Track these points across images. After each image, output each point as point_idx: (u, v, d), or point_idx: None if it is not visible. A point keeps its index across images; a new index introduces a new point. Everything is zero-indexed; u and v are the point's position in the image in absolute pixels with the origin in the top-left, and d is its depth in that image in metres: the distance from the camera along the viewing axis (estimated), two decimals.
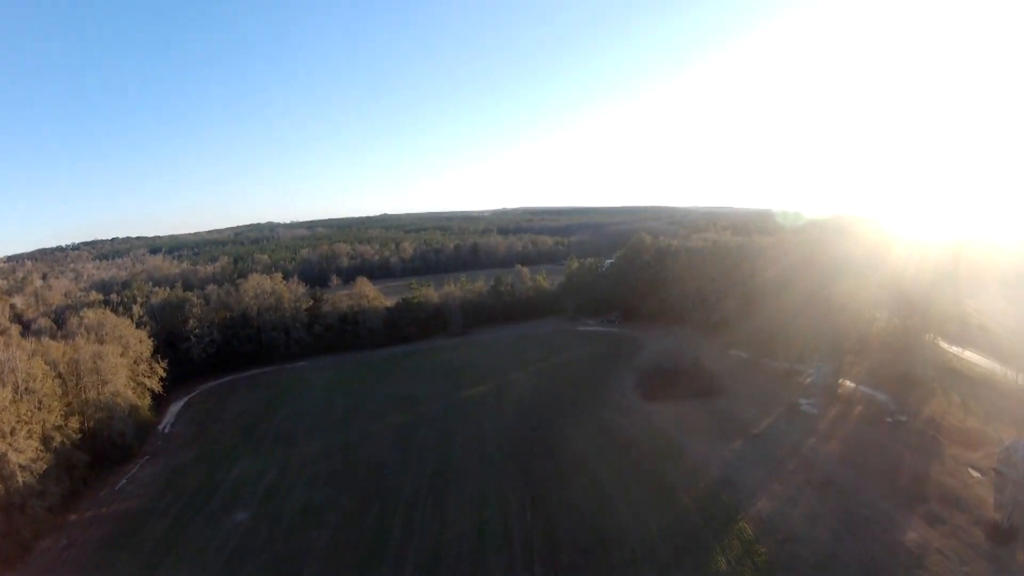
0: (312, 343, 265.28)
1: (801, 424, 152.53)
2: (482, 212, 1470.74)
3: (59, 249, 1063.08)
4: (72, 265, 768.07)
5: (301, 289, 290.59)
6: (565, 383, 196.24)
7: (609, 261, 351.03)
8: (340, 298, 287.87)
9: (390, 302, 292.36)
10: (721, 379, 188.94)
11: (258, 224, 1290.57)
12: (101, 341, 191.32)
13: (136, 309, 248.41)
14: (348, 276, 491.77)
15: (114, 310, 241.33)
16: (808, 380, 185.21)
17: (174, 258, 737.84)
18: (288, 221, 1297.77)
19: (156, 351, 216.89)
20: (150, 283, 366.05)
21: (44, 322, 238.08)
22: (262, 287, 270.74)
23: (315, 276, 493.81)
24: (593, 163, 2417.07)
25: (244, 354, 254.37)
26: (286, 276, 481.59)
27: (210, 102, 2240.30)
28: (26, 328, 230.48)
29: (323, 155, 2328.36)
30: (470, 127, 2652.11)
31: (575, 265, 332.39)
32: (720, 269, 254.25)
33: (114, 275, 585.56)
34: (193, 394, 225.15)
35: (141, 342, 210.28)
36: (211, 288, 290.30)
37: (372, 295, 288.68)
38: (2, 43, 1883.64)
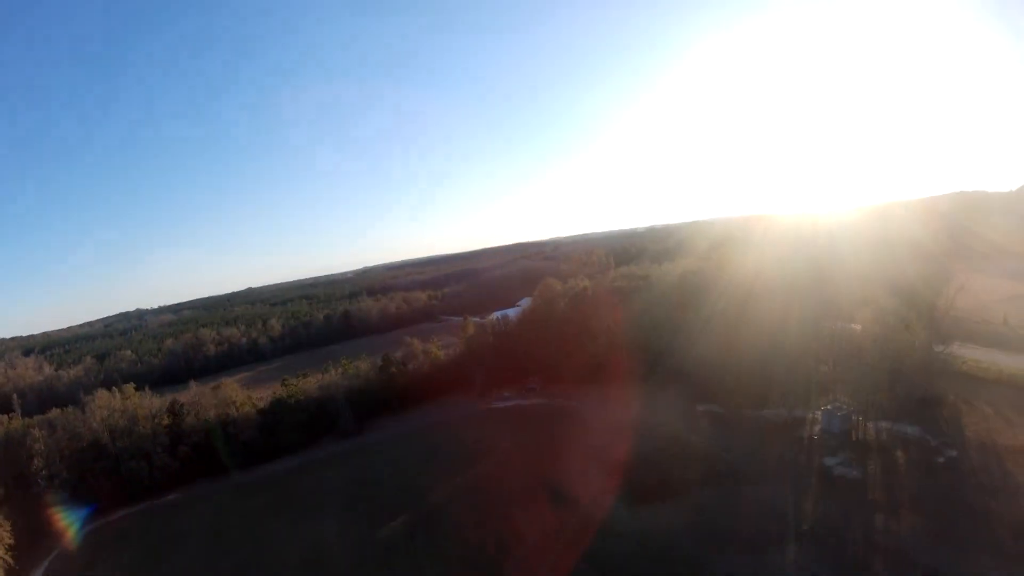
0: (179, 469, 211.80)
1: (848, 496, 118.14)
2: (345, 273, 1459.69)
3: None
4: None
5: (157, 401, 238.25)
6: (513, 500, 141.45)
7: (505, 313, 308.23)
8: (205, 404, 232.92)
9: (263, 402, 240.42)
10: (716, 454, 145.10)
11: (127, 312, 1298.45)
12: None
13: None
14: (217, 365, 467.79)
15: None
16: (818, 429, 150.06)
17: (47, 357, 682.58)
18: (156, 306, 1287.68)
19: (2, 503, 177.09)
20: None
21: None
22: (111, 406, 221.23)
23: (182, 368, 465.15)
24: (439, 209, 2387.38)
25: (103, 493, 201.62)
26: (147, 375, 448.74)
27: (72, 183, 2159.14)
28: None
29: (186, 233, 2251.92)
30: (320, 188, 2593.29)
31: (471, 328, 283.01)
32: (659, 309, 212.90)
33: None
34: (52, 557, 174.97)
35: None
36: (54, 413, 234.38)
37: (240, 399, 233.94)
38: None
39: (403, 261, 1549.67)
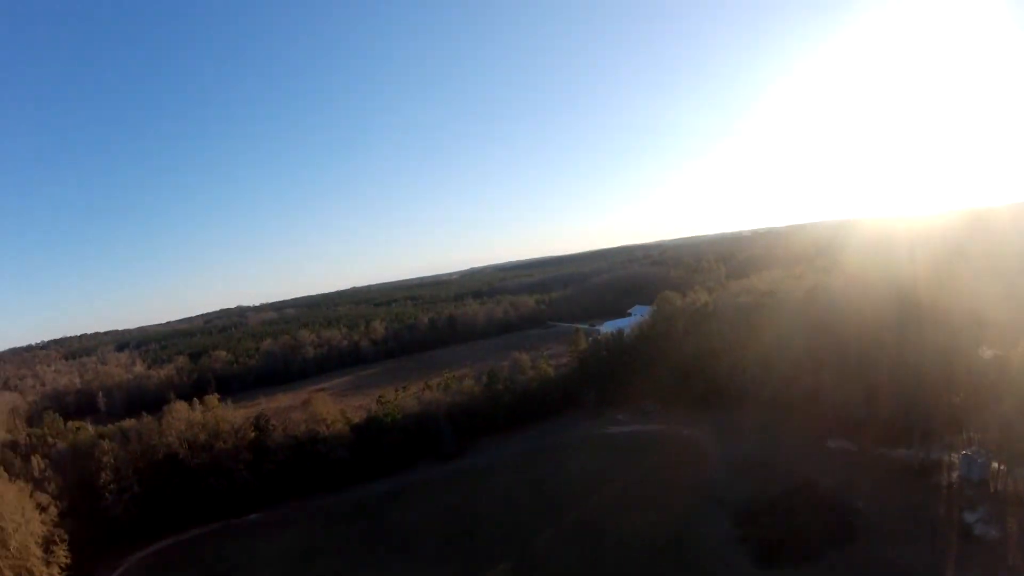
0: (262, 488, 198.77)
1: (992, 563, 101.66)
2: (451, 274, 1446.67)
3: (28, 349, 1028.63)
4: (39, 367, 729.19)
5: (241, 414, 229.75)
6: (627, 547, 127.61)
7: (618, 325, 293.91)
8: (294, 419, 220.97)
9: (358, 416, 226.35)
10: (849, 503, 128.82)
11: (228, 309, 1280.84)
12: None
13: (36, 462, 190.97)
14: (316, 368, 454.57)
15: (9, 463, 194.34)
16: (957, 476, 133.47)
17: (140, 354, 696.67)
18: (258, 304, 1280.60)
19: (65, 515, 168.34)
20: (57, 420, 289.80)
21: None
22: (191, 419, 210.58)
23: (279, 371, 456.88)
24: (553, 209, 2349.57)
25: (177, 510, 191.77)
26: (242, 376, 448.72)
27: (178, 184, 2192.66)
28: None
29: (292, 230, 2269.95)
30: (430, 187, 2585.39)
31: (583, 343, 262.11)
32: (784, 329, 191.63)
33: (68, 383, 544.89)
34: (116, 574, 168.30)
35: (27, 522, 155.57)
36: (130, 423, 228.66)
37: (332, 415, 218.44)
38: None
39: (510, 263, 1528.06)
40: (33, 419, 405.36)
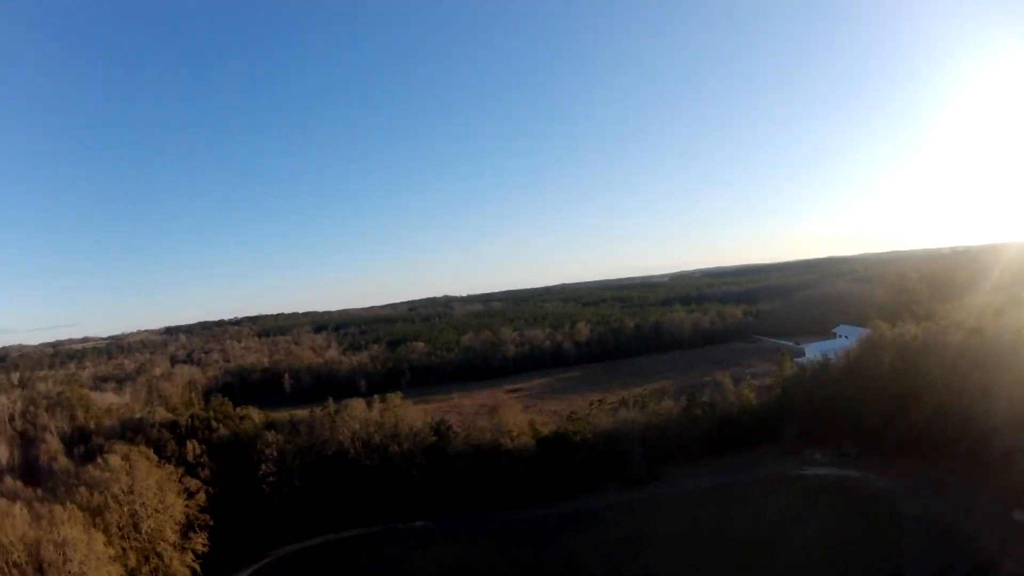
0: (433, 496, 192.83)
1: None
2: (661, 276, 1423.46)
3: (219, 324, 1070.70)
4: (229, 342, 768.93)
5: (422, 416, 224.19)
6: None
7: (823, 349, 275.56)
8: (479, 428, 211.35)
9: (547, 428, 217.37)
10: None
11: (434, 298, 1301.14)
12: (95, 511, 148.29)
13: (192, 447, 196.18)
14: (516, 367, 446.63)
15: (163, 445, 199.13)
16: None
17: (338, 337, 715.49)
18: (464, 294, 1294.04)
19: (215, 502, 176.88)
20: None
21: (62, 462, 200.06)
22: (367, 417, 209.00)
23: (478, 367, 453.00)
24: (763, 213, 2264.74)
25: (339, 509, 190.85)
26: (439, 369, 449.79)
27: (384, 167, 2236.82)
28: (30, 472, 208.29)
29: (506, 222, 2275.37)
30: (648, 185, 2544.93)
31: (788, 367, 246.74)
32: (987, 374, 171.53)
33: (255, 361, 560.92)
34: (259, 565, 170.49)
35: (167, 507, 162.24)
36: (303, 413, 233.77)
37: (518, 427, 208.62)
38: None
39: (717, 268, 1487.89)
40: (210, 394, 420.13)
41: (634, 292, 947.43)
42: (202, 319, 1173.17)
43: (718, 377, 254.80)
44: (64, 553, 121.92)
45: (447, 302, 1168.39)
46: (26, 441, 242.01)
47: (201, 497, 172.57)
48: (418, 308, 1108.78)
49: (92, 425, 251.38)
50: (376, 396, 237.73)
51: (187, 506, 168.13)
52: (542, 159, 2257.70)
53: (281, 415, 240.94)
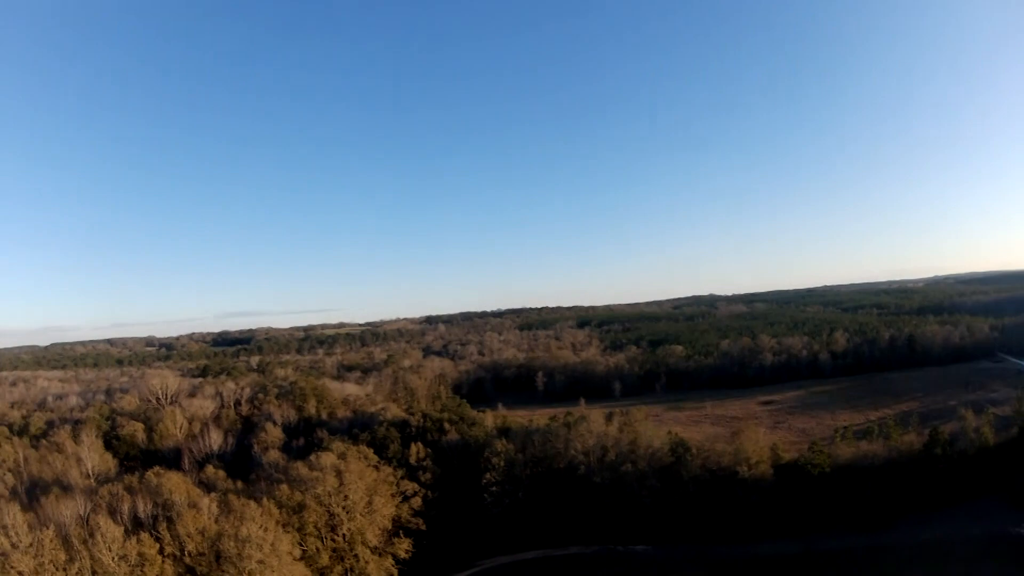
0: (660, 520, 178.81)
1: None
2: (916, 281, 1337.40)
3: (481, 315, 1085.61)
4: (489, 334, 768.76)
5: (660, 435, 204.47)
6: None
7: None
8: (716, 452, 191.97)
9: (787, 455, 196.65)
10: None
11: (699, 296, 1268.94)
12: (293, 509, 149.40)
13: (416, 450, 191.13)
14: (772, 376, 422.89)
15: (387, 444, 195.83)
16: None
17: (600, 334, 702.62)
18: (729, 294, 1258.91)
19: (432, 507, 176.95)
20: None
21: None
22: (605, 432, 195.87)
23: (733, 374, 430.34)
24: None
25: (561, 524, 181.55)
26: (696, 374, 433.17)
27: (664, 161, 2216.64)
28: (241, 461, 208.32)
29: (771, 222, 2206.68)
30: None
31: None
32: None
33: (511, 356, 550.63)
34: (466, 574, 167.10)
35: (373, 510, 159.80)
36: (540, 421, 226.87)
37: (757, 453, 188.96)
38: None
39: (969, 274, 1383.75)
40: (462, 388, 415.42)
41: (891, 298, 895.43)
42: (464, 309, 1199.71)
43: (960, 408, 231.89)
44: (242, 550, 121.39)
45: (712, 301, 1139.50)
46: (247, 429, 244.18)
47: (416, 501, 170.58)
48: (683, 306, 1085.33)
49: (324, 416, 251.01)
50: (617, 411, 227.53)
51: (398, 508, 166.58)
52: (824, 155, 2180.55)
53: (522, 417, 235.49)
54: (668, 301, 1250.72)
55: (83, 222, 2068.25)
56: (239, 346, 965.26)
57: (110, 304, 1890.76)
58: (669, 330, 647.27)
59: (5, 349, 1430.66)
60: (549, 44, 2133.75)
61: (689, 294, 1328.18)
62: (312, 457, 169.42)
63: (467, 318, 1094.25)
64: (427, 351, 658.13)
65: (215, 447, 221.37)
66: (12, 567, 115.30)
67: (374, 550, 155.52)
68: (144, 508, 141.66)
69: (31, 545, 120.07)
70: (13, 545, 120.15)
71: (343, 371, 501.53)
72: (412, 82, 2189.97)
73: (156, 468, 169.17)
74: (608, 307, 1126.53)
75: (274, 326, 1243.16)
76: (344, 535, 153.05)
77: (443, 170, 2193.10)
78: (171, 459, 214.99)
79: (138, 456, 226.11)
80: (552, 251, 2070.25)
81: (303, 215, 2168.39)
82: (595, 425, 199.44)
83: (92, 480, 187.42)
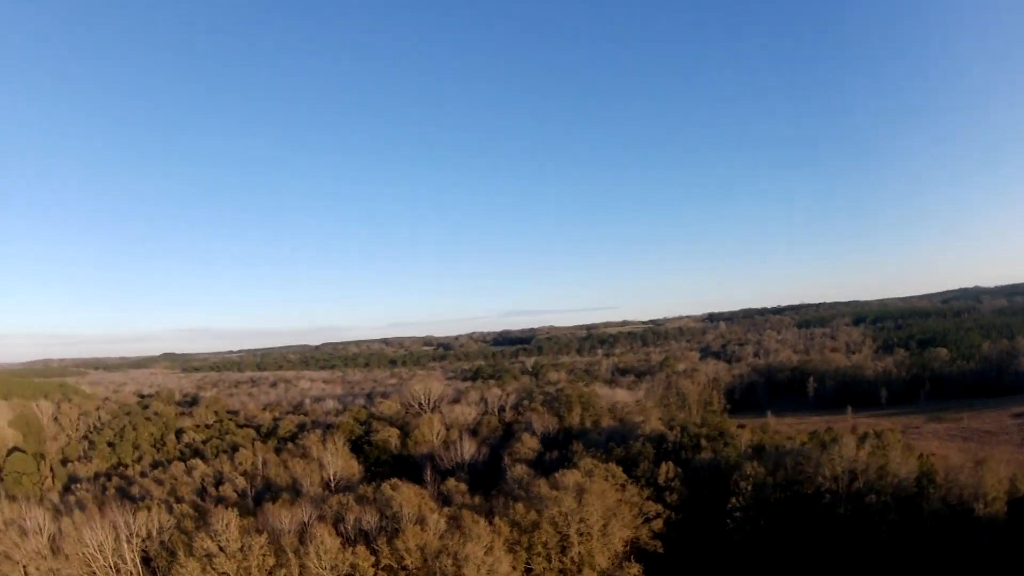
0: (893, 560, 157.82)
1: None
2: None
3: (761, 312, 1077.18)
4: (768, 333, 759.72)
5: (907, 464, 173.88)
6: None
7: None
8: (959, 485, 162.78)
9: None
10: None
11: (965, 289, 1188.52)
12: (524, 529, 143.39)
13: (666, 469, 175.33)
14: None
15: (638, 461, 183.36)
16: None
17: (874, 331, 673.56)
18: (992, 285, 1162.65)
19: (674, 527, 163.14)
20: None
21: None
22: (857, 457, 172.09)
23: (991, 380, 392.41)
24: None
25: (800, 557, 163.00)
26: (957, 380, 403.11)
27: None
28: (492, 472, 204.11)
29: None
30: None
31: None
32: None
33: (785, 359, 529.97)
34: None
35: (606, 533, 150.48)
36: (798, 442, 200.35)
37: (996, 486, 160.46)
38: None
39: None
40: (734, 393, 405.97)
41: None
42: (745, 306, 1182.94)
43: None
44: (459, 569, 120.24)
45: (976, 294, 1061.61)
46: (506, 437, 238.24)
47: (658, 523, 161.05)
48: (950, 300, 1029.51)
49: (587, 424, 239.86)
50: (871, 430, 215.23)
51: (637, 530, 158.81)
52: None
53: (789, 427, 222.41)
54: (937, 295, 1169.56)
55: (364, 224, 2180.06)
56: (519, 346, 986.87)
57: (387, 304, 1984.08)
58: (937, 328, 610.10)
59: (272, 349, 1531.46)
60: None
61: (956, 286, 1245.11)
62: (557, 475, 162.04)
63: (747, 315, 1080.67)
64: (705, 352, 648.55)
65: (467, 456, 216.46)
66: (215, 569, 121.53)
67: (602, 574, 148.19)
68: (370, 520, 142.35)
69: (240, 549, 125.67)
70: (220, 548, 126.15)
71: (616, 374, 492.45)
72: None
73: (393, 480, 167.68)
74: (882, 301, 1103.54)
75: (556, 325, 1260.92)
76: (573, 557, 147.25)
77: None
78: (421, 467, 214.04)
79: (389, 462, 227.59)
80: (830, 242, 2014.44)
81: (587, 210, 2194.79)
82: (846, 448, 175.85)
83: (324, 488, 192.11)
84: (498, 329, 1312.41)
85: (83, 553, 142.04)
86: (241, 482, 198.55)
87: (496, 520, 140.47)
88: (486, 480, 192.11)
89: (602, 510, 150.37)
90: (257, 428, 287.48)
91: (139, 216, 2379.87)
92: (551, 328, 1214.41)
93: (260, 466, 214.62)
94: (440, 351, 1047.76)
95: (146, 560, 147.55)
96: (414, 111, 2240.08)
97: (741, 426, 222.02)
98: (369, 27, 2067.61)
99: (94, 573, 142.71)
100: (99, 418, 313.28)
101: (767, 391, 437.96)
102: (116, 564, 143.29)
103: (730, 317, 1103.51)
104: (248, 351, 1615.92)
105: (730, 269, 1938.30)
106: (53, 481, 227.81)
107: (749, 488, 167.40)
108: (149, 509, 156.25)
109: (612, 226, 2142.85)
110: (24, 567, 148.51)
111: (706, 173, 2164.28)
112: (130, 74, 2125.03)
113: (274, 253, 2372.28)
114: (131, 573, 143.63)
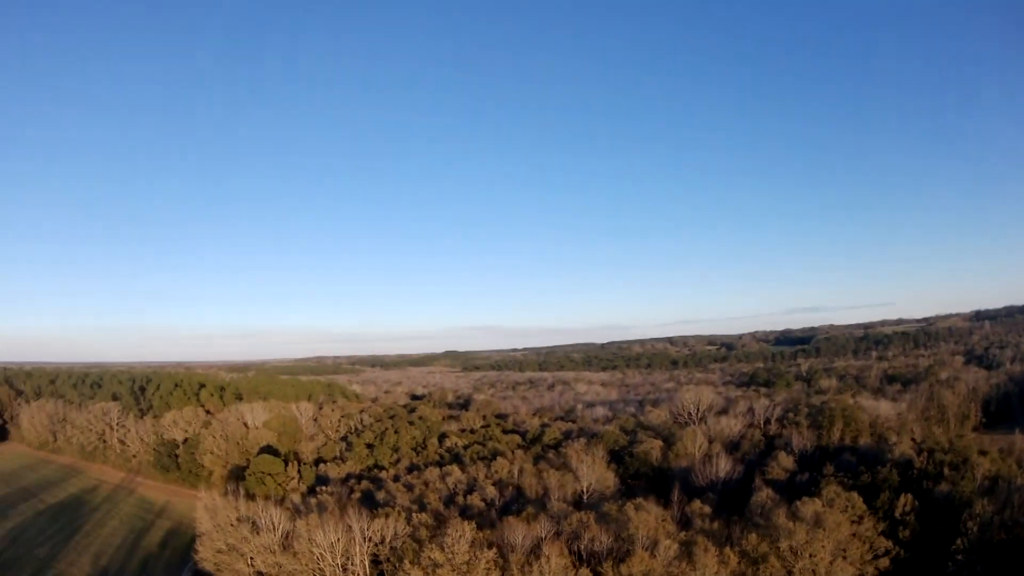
0: None
1: None
2: None
3: (1022, 310, 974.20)
4: None
5: None
6: None
7: None
8: None
9: None
10: None
11: None
12: (752, 561, 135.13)
13: (904, 502, 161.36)
14: None
15: (878, 490, 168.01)
16: None
17: None
18: None
19: (900, 563, 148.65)
20: None
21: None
22: None
23: None
24: None
25: None
26: None
27: None
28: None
29: None
30: None
31: None
32: None
33: None
34: None
35: (839, 570, 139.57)
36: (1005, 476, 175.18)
37: None
38: None
39: None
40: (990, 404, 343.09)
41: None
42: (1011, 302, 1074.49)
43: None
44: None
45: None
46: (764, 454, 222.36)
47: (884, 562, 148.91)
48: None
49: (847, 442, 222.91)
50: None
51: (863, 566, 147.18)
52: None
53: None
54: None
55: (656, 220, 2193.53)
56: (799, 346, 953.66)
57: (674, 301, 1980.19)
58: None
59: (556, 347, 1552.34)
60: None
61: None
62: (799, 503, 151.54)
63: (1009, 314, 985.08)
64: (969, 356, 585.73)
65: (721, 474, 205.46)
66: None
67: None
68: (604, 541, 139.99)
69: (466, 562, 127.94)
70: (448, 560, 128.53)
71: (884, 383, 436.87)
72: None
73: (638, 500, 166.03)
74: None
75: (835, 323, 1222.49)
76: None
77: None
78: (678, 481, 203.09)
79: (647, 475, 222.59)
80: None
81: (872, 200, 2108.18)
82: None
83: (575, 501, 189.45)
84: (780, 328, 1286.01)
85: (312, 552, 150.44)
86: (491, 491, 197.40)
87: (726, 550, 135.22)
88: (737, 500, 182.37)
89: (833, 546, 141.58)
90: (523, 434, 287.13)
91: (425, 217, 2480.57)
92: (830, 327, 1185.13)
93: (516, 475, 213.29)
94: (722, 351, 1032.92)
95: (375, 563, 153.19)
96: None
97: (983, 452, 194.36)
98: None
99: (321, 571, 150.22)
100: (361, 421, 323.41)
101: (1021, 402, 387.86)
102: (344, 565, 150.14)
103: (995, 315, 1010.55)
104: (532, 349, 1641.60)
105: (999, 259, 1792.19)
106: (299, 482, 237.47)
107: (975, 528, 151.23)
108: (387, 516, 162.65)
109: (886, 215, 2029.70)
110: (251, 559, 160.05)
111: None
112: None
113: (560, 252, 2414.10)
114: (358, 574, 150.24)
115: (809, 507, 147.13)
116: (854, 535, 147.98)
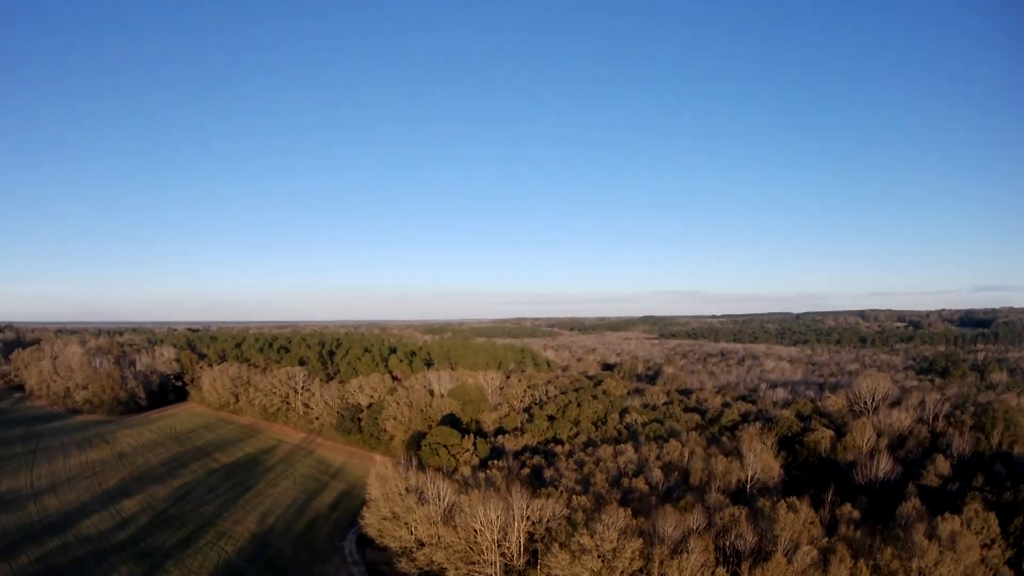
0: None
1: None
2: None
3: None
4: None
5: None
6: None
7: None
8: None
9: None
10: None
11: None
12: None
13: None
14: None
15: (1016, 510, 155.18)
16: None
17: None
18: None
19: None
20: None
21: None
22: None
23: None
24: None
25: None
26: None
27: None
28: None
29: None
30: None
31: None
32: None
33: None
34: None
35: None
36: None
37: None
38: None
39: None
40: None
41: None
42: None
43: None
44: None
45: None
46: (926, 452, 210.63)
47: None
48: None
49: (1004, 448, 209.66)
50: None
51: None
52: None
53: None
54: None
55: (849, 185, 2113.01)
56: (980, 329, 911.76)
57: (866, 273, 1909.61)
58: None
59: (753, 316, 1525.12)
60: None
61: None
62: (939, 519, 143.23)
63: None
64: None
65: (880, 474, 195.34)
66: (581, 564, 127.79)
67: None
68: (749, 539, 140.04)
69: (613, 550, 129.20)
70: (596, 546, 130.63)
71: None
72: None
73: (791, 498, 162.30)
74: None
75: (1015, 306, 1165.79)
76: None
77: None
78: (841, 476, 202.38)
79: (814, 465, 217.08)
80: None
81: None
82: None
83: (736, 490, 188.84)
84: (965, 307, 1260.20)
85: (470, 525, 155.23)
86: (657, 475, 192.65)
87: (860, 562, 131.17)
88: (889, 504, 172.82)
89: (961, 572, 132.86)
90: (703, 413, 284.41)
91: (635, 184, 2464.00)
92: (1010, 310, 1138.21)
93: (685, 458, 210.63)
94: (909, 330, 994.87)
95: (531, 541, 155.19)
96: None
97: None
98: None
99: (477, 544, 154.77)
100: (546, 392, 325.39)
101: None
102: (499, 541, 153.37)
103: None
104: (729, 316, 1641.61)
105: None
106: (473, 455, 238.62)
107: None
108: (548, 496, 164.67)
109: None
110: (413, 528, 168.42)
111: None
112: None
113: (761, 219, 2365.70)
114: (511, 551, 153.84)
115: (948, 525, 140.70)
116: (982, 560, 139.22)
